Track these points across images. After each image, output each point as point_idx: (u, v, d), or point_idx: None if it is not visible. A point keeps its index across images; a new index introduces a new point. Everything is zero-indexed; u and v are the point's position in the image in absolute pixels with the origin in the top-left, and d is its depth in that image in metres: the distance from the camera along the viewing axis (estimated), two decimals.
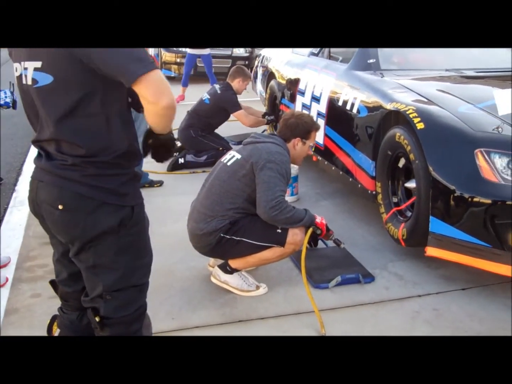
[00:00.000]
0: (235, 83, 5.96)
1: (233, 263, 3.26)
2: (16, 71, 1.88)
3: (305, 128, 3.37)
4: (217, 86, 6.02)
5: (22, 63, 1.84)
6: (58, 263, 2.13)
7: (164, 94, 1.74)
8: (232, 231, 3.15)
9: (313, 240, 3.25)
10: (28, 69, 1.82)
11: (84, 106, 1.79)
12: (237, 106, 5.92)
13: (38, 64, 1.78)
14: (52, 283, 2.24)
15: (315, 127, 3.44)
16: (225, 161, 3.30)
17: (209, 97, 5.96)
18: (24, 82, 1.85)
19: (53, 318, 2.28)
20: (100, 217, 1.86)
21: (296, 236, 3.15)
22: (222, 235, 3.15)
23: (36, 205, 1.95)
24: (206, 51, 9.43)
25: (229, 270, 3.27)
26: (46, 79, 1.78)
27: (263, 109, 6.71)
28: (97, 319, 1.97)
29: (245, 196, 3.15)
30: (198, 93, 6.62)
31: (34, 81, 1.81)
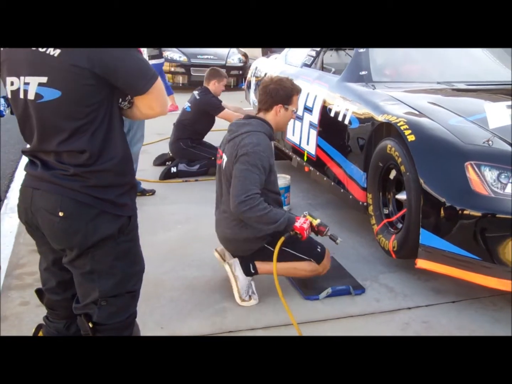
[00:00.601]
0: (211, 86, 5.94)
1: (261, 265, 3.25)
2: (12, 85, 1.88)
3: (285, 93, 3.25)
4: (195, 92, 6.00)
5: (22, 77, 1.84)
6: (47, 272, 2.13)
7: (166, 103, 1.96)
8: (275, 243, 3.13)
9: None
10: (31, 84, 1.82)
11: (91, 119, 1.84)
12: (219, 108, 5.87)
13: (43, 79, 1.80)
14: (38, 292, 2.23)
15: (296, 90, 3.31)
16: (221, 165, 3.27)
17: (189, 104, 5.96)
18: (21, 96, 1.86)
19: (38, 327, 2.28)
20: (100, 224, 1.91)
21: (328, 261, 3.31)
22: (266, 245, 3.20)
23: (30, 213, 1.95)
24: (159, 60, 9.30)
25: (251, 271, 3.24)
26: (52, 94, 1.80)
27: None
28: (90, 325, 1.99)
29: None
30: None
31: (38, 96, 1.82)
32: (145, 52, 8.98)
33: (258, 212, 2.99)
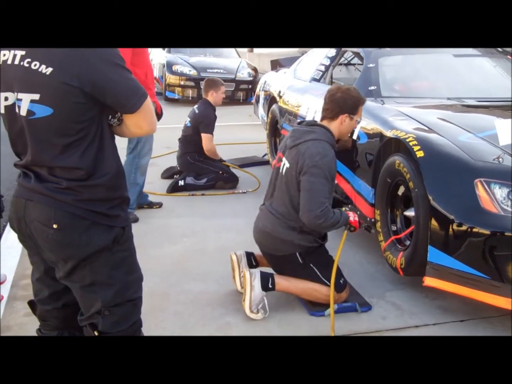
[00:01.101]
0: (210, 97, 5.93)
1: (280, 280, 3.25)
2: (6, 100, 1.88)
3: (353, 102, 3.28)
4: (195, 107, 6.01)
5: (16, 93, 1.85)
6: (39, 282, 2.14)
7: (155, 122, 1.98)
8: (308, 258, 3.23)
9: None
10: (23, 100, 1.83)
11: (84, 134, 1.86)
12: (208, 128, 5.81)
13: (36, 96, 1.81)
14: (30, 303, 2.24)
15: (362, 101, 3.34)
16: (280, 170, 3.29)
17: (189, 119, 5.96)
18: (17, 111, 1.86)
19: None
20: (94, 235, 1.93)
21: (346, 294, 3.34)
22: (297, 254, 3.23)
23: (23, 223, 1.96)
24: None
25: (268, 287, 3.22)
26: (44, 111, 1.81)
27: (264, 133, 6.72)
28: (96, 333, 2.01)
29: None
30: None
31: (30, 112, 1.83)
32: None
33: (330, 221, 3.08)
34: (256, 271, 3.26)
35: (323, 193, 3.09)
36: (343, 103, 3.26)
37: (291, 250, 3.25)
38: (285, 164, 3.24)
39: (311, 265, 3.25)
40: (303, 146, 3.16)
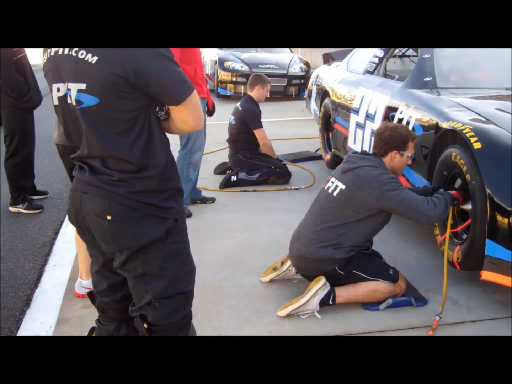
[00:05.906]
0: (255, 92, 5.95)
1: (340, 294, 3.20)
2: (59, 91, 1.92)
3: (401, 139, 3.32)
4: (238, 104, 6.05)
5: (66, 83, 1.88)
6: (98, 274, 2.17)
7: (201, 118, 1.94)
8: (348, 267, 3.22)
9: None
10: (72, 90, 1.86)
11: (131, 125, 1.87)
12: (258, 122, 5.84)
13: (83, 85, 1.83)
14: (90, 294, 2.29)
15: (411, 137, 3.38)
16: (329, 191, 3.32)
17: (233, 117, 6.00)
18: (69, 101, 1.89)
19: (91, 330, 2.33)
20: (147, 226, 1.94)
21: (403, 283, 3.33)
22: (337, 269, 3.22)
23: (80, 216, 2.00)
24: None
25: (328, 303, 3.17)
26: (91, 100, 1.83)
27: (316, 128, 6.68)
28: (145, 325, 2.02)
29: (355, 221, 3.21)
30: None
31: (79, 102, 1.86)
32: None
33: (441, 206, 3.19)
34: (326, 287, 3.19)
35: (411, 193, 3.18)
36: (390, 140, 3.31)
37: (329, 266, 3.23)
38: (338, 186, 3.27)
39: (354, 271, 3.23)
40: (361, 171, 3.22)
